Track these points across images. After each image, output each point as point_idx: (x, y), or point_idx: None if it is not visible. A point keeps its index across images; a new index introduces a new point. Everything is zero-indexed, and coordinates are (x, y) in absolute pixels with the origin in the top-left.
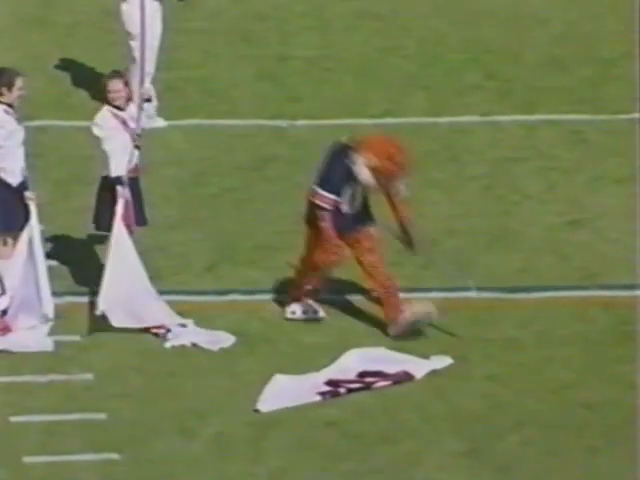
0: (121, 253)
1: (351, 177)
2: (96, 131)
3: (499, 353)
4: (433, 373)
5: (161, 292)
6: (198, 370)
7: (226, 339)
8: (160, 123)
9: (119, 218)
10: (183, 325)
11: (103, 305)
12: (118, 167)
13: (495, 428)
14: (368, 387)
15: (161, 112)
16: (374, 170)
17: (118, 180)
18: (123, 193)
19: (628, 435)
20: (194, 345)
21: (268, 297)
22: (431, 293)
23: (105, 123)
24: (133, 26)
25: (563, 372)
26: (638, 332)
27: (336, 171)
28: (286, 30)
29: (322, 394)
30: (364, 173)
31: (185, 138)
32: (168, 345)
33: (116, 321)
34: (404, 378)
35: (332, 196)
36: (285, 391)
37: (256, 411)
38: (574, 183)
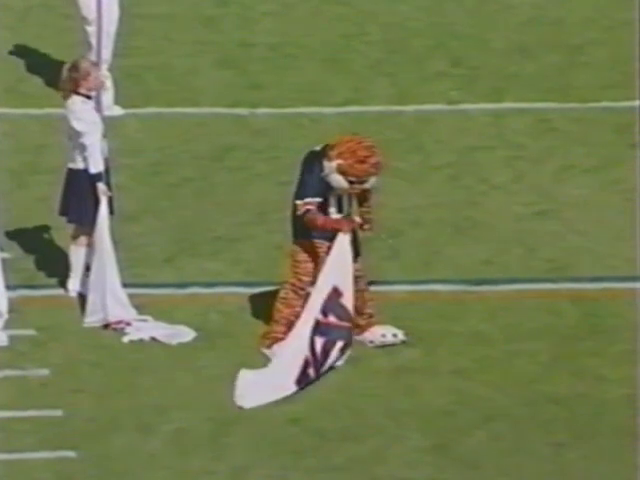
0: (105, 250)
1: (329, 186)
2: (77, 125)
3: (465, 347)
4: (399, 368)
5: None
6: (157, 365)
7: (186, 334)
8: (117, 111)
9: (104, 217)
10: (143, 320)
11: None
12: (98, 163)
13: (462, 423)
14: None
15: (118, 100)
16: (345, 174)
17: (99, 177)
18: (105, 190)
19: (596, 430)
20: (153, 339)
21: (229, 290)
22: (395, 286)
23: (87, 117)
24: (89, 11)
25: (531, 366)
26: (607, 325)
27: (312, 178)
28: (247, 15)
29: (297, 382)
30: (336, 179)
31: (143, 127)
32: (126, 339)
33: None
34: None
35: (314, 199)
36: (263, 385)
37: (240, 408)
38: (542, 173)
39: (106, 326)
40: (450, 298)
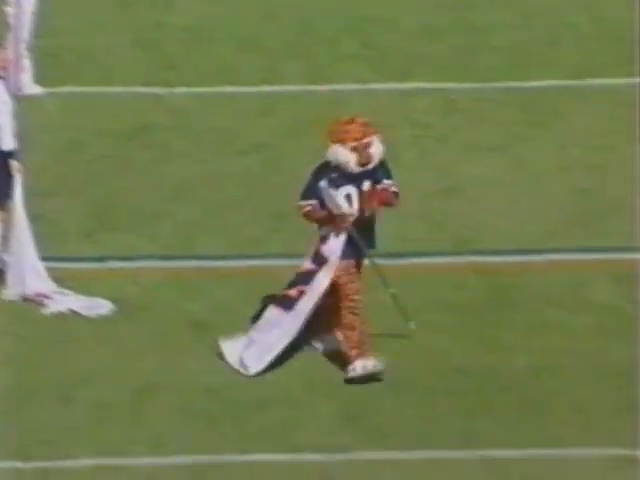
0: (21, 226)
1: (325, 170)
2: None
3: (374, 319)
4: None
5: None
6: (77, 337)
7: (104, 306)
8: (36, 90)
9: (19, 193)
10: (62, 292)
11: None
12: (9, 140)
13: (373, 393)
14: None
15: (37, 79)
16: (342, 142)
17: (11, 154)
18: (19, 167)
19: (502, 398)
20: (72, 312)
21: (147, 264)
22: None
23: None
24: None
25: (438, 337)
26: (511, 297)
27: (311, 182)
28: None
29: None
30: (339, 153)
31: (61, 105)
32: (47, 312)
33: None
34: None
35: (306, 202)
36: (258, 348)
37: (248, 377)
38: (447, 151)
39: (26, 299)
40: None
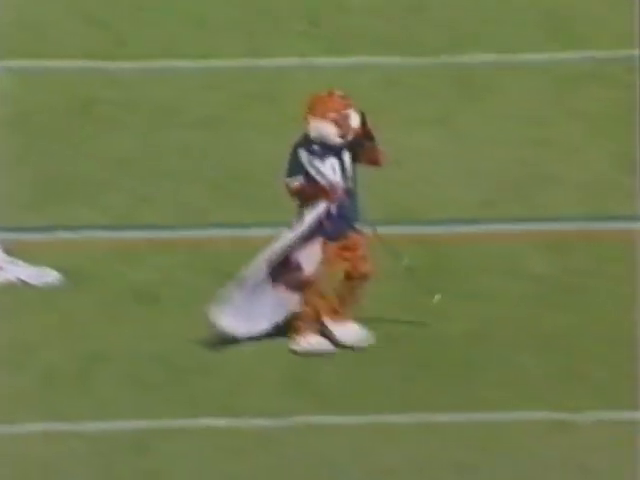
0: None
1: (304, 144)
2: None
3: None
4: None
5: None
6: (25, 305)
7: (52, 275)
8: None
9: None
10: (12, 262)
11: None
12: None
13: (314, 358)
14: None
15: None
16: (323, 116)
17: None
18: None
19: (440, 362)
20: (21, 281)
21: (93, 234)
22: (251, 230)
23: None
24: None
25: (377, 305)
26: (450, 265)
27: (292, 158)
28: None
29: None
30: (320, 127)
31: (10, 79)
32: None
33: None
34: None
35: (293, 178)
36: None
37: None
38: (388, 124)
39: None
40: None
